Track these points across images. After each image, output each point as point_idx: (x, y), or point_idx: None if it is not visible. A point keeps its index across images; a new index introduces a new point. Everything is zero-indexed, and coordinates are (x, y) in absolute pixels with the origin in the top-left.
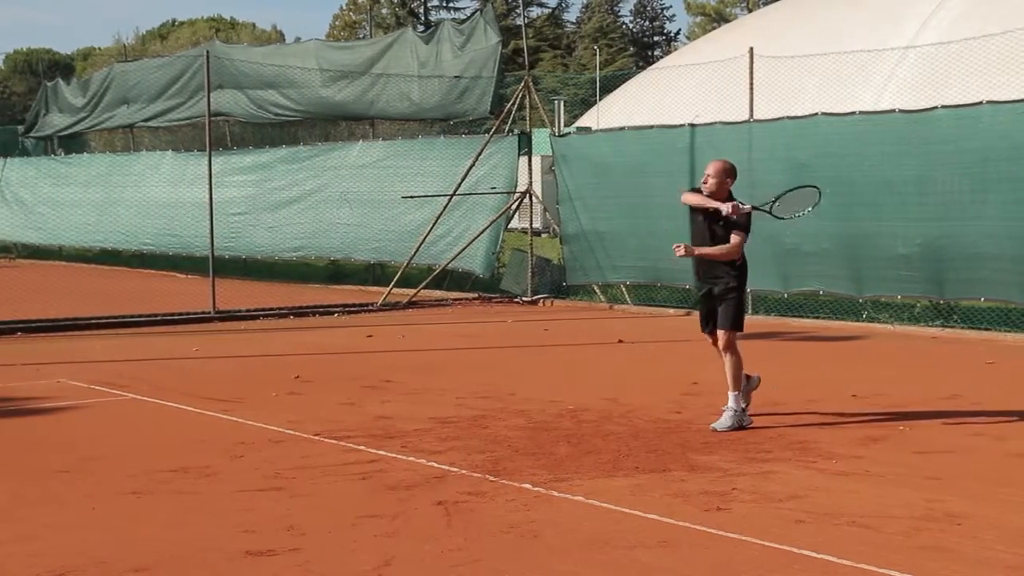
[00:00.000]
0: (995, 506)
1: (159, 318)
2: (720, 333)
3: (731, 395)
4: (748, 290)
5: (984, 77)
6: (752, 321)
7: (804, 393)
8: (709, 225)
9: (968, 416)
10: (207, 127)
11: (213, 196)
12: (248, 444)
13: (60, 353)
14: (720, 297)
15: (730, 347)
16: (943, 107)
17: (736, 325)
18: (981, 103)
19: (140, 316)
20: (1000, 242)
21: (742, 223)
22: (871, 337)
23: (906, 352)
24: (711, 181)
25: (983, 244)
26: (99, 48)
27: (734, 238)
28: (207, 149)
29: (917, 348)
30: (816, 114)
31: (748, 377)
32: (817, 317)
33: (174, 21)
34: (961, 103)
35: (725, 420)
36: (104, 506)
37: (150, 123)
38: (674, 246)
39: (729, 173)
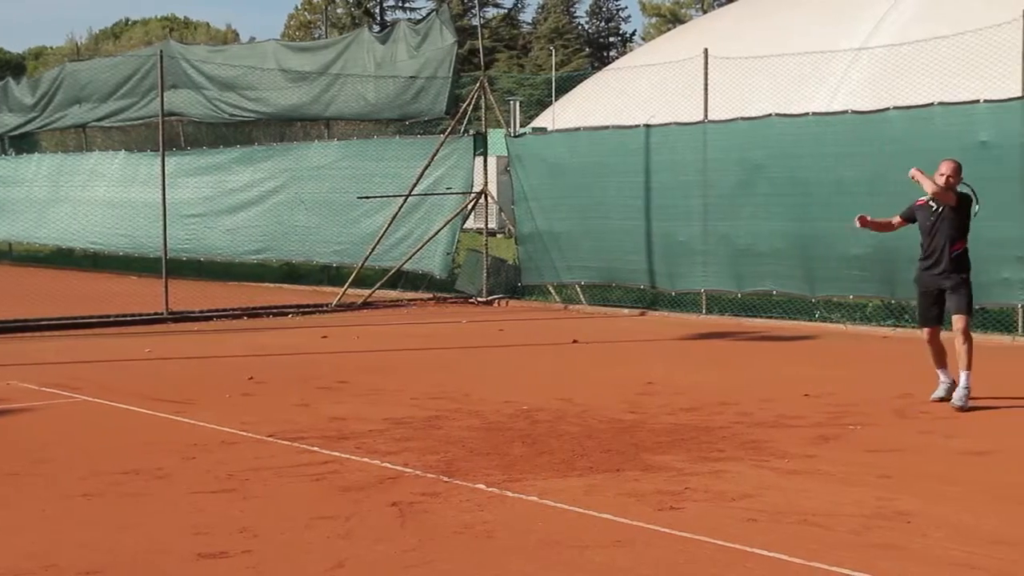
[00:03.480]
0: (944, 504)
1: (111, 319)
2: (958, 318)
3: (964, 374)
4: (703, 290)
5: (936, 78)
6: (706, 321)
7: (757, 392)
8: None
9: (918, 415)
10: (160, 127)
11: (167, 197)
12: (201, 446)
13: (10, 355)
14: (953, 290)
15: (966, 331)
16: (895, 108)
17: (970, 311)
18: (933, 104)
19: (91, 317)
20: None
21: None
22: (823, 337)
23: (858, 352)
24: (952, 181)
25: None
26: (51, 47)
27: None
28: (160, 149)
29: (869, 348)
30: (770, 115)
31: (954, 382)
32: (770, 317)
33: (127, 20)
34: (913, 104)
35: (961, 397)
36: (54, 509)
37: (102, 123)
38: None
39: (961, 171)
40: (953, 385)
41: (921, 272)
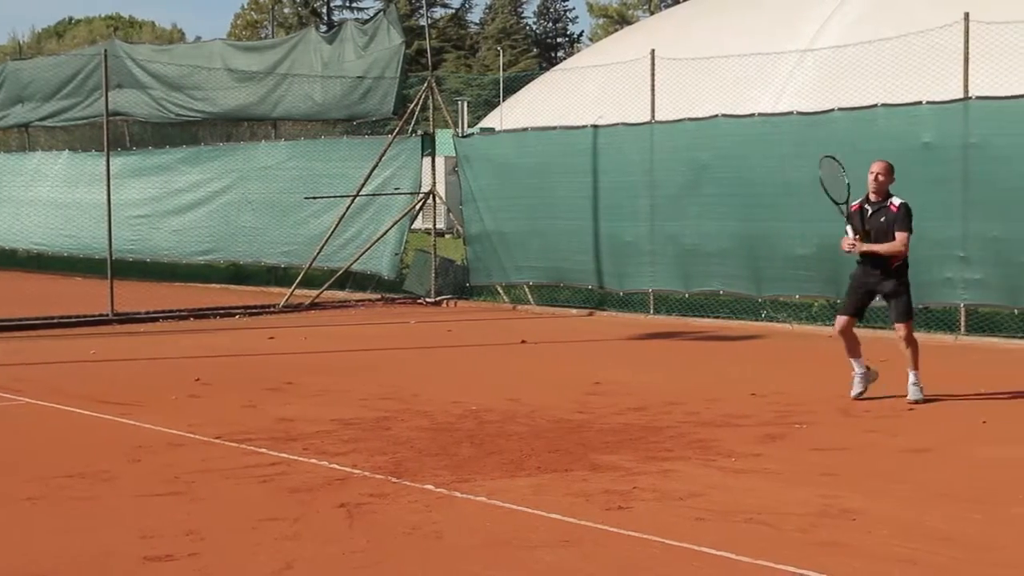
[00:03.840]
0: (889, 501)
1: (55, 320)
2: (900, 325)
3: (912, 373)
4: (650, 290)
5: (879, 80)
6: (654, 321)
7: (704, 392)
8: (877, 233)
9: (863, 414)
10: (104, 127)
11: (112, 197)
12: (147, 448)
13: None
14: (893, 294)
15: (909, 337)
16: (839, 109)
17: (911, 315)
18: (876, 106)
19: (35, 319)
20: None
21: (905, 223)
22: (770, 336)
23: (804, 351)
24: (882, 179)
25: None
26: None
27: (900, 235)
28: (105, 149)
29: (814, 347)
30: (717, 116)
31: (869, 368)
32: (718, 317)
33: (71, 19)
34: (857, 105)
35: (916, 392)
36: None
37: (45, 122)
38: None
39: (893, 171)
40: (868, 371)
41: (858, 270)
